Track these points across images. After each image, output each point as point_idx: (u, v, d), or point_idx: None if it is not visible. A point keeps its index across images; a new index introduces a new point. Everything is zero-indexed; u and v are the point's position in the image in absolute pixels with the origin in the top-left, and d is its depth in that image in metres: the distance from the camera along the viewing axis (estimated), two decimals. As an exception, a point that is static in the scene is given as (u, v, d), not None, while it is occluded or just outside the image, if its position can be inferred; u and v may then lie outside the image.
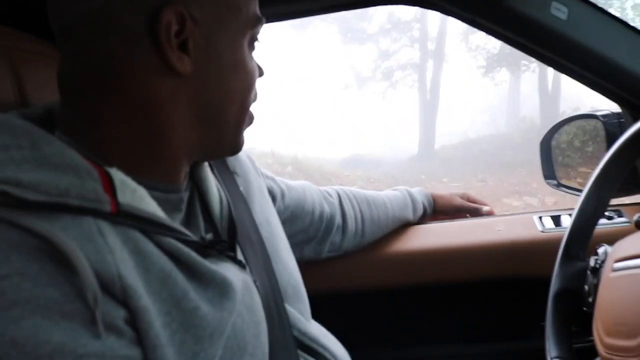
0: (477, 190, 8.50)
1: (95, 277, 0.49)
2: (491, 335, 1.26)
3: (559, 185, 1.43)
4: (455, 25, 12.65)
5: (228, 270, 0.62)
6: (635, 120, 1.14)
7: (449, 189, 8.94)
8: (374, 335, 0.98)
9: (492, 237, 1.25)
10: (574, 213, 0.96)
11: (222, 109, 0.64)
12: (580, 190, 1.38)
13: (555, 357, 0.89)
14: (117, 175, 0.56)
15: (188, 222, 0.66)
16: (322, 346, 0.77)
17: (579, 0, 1.03)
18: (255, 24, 0.65)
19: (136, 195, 0.57)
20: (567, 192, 1.41)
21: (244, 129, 0.69)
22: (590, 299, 0.89)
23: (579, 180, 1.48)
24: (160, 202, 0.60)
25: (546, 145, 1.48)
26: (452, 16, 1.07)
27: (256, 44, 0.68)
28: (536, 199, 7.68)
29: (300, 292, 0.82)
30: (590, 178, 0.95)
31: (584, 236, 0.96)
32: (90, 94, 0.59)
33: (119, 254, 0.52)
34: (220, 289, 0.59)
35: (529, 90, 11.75)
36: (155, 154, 0.61)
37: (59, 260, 0.48)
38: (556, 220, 1.26)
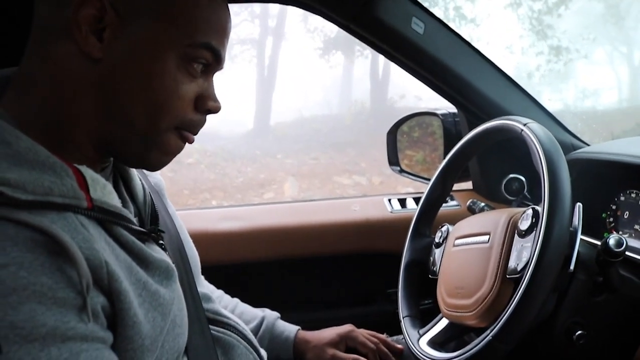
0: (309, 168, 8.83)
1: (87, 263, 0.53)
2: (347, 301, 1.44)
3: (402, 171, 1.66)
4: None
5: (162, 255, 0.69)
6: (469, 121, 1.39)
7: (283, 165, 9.23)
8: (247, 300, 1.10)
9: (349, 216, 1.42)
10: (423, 196, 1.16)
11: (125, 109, 0.63)
12: (416, 176, 1.62)
13: (406, 316, 1.08)
14: (88, 172, 0.60)
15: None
16: (226, 317, 0.86)
17: (434, 19, 1.22)
18: (195, 47, 0.64)
19: (105, 191, 0.62)
20: (407, 177, 1.64)
21: (158, 149, 0.67)
22: (434, 268, 1.09)
23: (416, 167, 1.72)
24: None
25: (392, 136, 1.69)
26: (330, 21, 1.20)
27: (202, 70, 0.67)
28: (364, 177, 8.21)
29: (199, 275, 0.91)
30: (438, 168, 1.15)
31: (430, 216, 1.17)
32: (25, 60, 0.63)
33: (99, 244, 0.57)
34: (165, 273, 0.66)
35: (361, 74, 12.38)
36: (65, 133, 0.63)
37: (52, 251, 0.51)
38: (402, 202, 1.47)
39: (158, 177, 0.92)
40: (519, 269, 0.83)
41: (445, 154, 1.50)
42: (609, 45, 12.38)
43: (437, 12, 10.27)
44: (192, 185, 7.50)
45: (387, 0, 1.16)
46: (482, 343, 0.82)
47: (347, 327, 1.12)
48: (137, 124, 0.64)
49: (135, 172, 0.78)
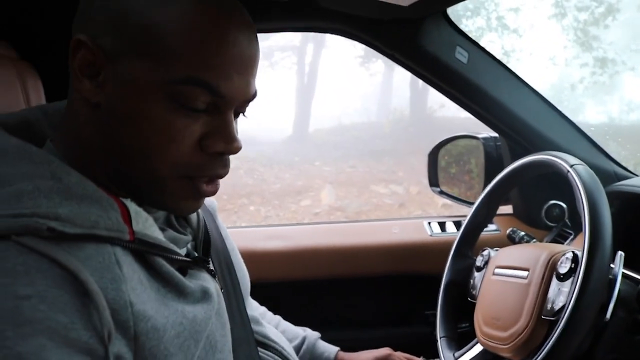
0: (347, 176, 8.83)
1: (109, 306, 0.53)
2: (385, 322, 1.46)
3: (442, 193, 1.67)
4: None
5: (205, 281, 0.71)
6: (510, 147, 1.40)
7: (321, 172, 9.25)
8: (289, 318, 1.13)
9: (389, 238, 1.45)
10: (467, 219, 1.18)
11: (128, 156, 0.61)
12: (456, 198, 1.63)
13: (443, 337, 1.10)
14: (132, 206, 0.62)
15: (175, 234, 0.73)
16: (273, 341, 0.89)
17: (478, 48, 1.24)
18: (181, 83, 0.59)
19: (147, 223, 0.63)
20: (447, 199, 1.65)
21: (172, 196, 0.64)
22: (473, 292, 1.11)
23: (456, 189, 1.73)
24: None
25: (433, 157, 1.70)
26: (374, 49, 1.23)
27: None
28: (402, 187, 8.19)
29: (249, 293, 0.93)
30: (484, 192, 1.17)
31: (472, 239, 1.19)
32: (67, 111, 0.66)
33: (130, 283, 0.57)
34: (202, 298, 0.68)
35: (400, 83, 12.34)
36: (95, 172, 0.63)
37: (77, 291, 0.52)
38: (442, 226, 1.49)
39: (210, 198, 0.96)
40: (555, 310, 0.85)
41: (486, 177, 1.52)
42: (658, 57, 12.03)
43: (479, 21, 10.19)
44: (230, 191, 7.59)
45: (433, 31, 1.19)
46: None
47: (385, 351, 1.13)
48: (140, 171, 0.62)
49: None
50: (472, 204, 1.52)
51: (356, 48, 11.95)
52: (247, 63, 0.63)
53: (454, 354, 1.06)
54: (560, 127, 1.34)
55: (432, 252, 1.42)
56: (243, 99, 0.64)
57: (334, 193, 7.87)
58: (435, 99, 11.48)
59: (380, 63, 12.48)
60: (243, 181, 8.41)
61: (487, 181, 1.47)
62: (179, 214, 0.71)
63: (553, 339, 0.80)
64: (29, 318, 0.49)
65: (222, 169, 0.66)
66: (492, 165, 1.50)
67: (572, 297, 0.79)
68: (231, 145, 0.63)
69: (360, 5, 1.09)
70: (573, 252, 0.88)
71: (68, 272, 0.52)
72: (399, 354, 1.14)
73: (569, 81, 10.90)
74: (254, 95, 0.66)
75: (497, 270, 1.03)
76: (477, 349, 1.04)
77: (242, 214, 6.97)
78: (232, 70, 0.61)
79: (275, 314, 1.15)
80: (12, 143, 0.60)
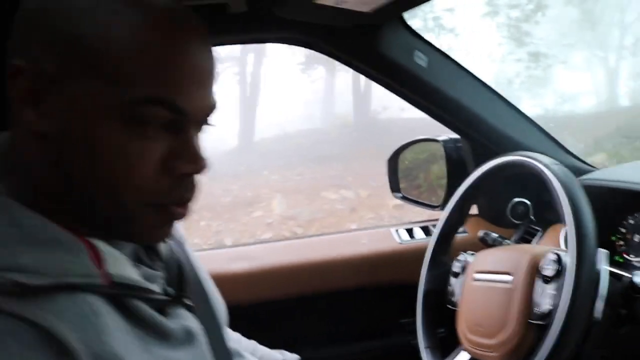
0: (295, 184, 8.80)
1: None
2: (362, 335, 1.43)
3: (404, 198, 1.66)
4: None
5: (186, 319, 0.66)
6: (472, 148, 1.40)
7: (269, 182, 9.17)
8: (263, 341, 1.09)
9: (358, 250, 1.42)
10: (440, 223, 1.16)
11: (86, 189, 0.55)
12: (419, 202, 1.62)
13: (427, 347, 1.08)
14: (103, 246, 0.56)
15: (147, 269, 0.67)
16: None
17: (437, 52, 1.23)
18: (138, 103, 0.53)
19: (121, 263, 0.58)
20: (410, 204, 1.64)
21: (141, 226, 0.58)
22: (452, 299, 1.09)
23: (418, 194, 1.72)
24: None
25: (393, 163, 1.69)
26: (332, 57, 1.20)
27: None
28: (351, 191, 8.22)
29: (225, 324, 0.86)
30: (456, 195, 1.15)
31: (446, 244, 1.17)
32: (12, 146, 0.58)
33: (110, 332, 0.52)
34: (188, 342, 0.63)
35: (343, 88, 12.42)
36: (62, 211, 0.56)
37: (58, 352, 0.47)
38: (410, 232, 1.47)
39: (176, 226, 0.90)
40: (543, 314, 0.85)
41: (449, 179, 1.51)
42: (586, 50, 12.58)
43: (417, 23, 10.38)
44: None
45: (391, 36, 1.17)
46: None
47: None
48: (104, 203, 0.56)
49: None
50: (436, 207, 1.52)
51: (296, 55, 11.98)
52: (205, 75, 0.58)
53: (437, 364, 1.04)
54: (520, 126, 1.34)
55: (402, 259, 1.40)
56: (204, 112, 0.59)
57: (285, 202, 7.81)
58: (379, 102, 11.64)
59: (321, 69, 12.53)
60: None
61: (450, 183, 1.47)
62: (152, 243, 0.66)
63: (548, 342, 0.79)
64: None
65: (190, 191, 0.60)
66: (454, 167, 1.48)
67: (562, 298, 0.79)
68: (197, 164, 0.57)
69: (318, 13, 1.05)
70: (556, 253, 0.87)
71: (43, 331, 0.47)
72: None
73: (506, 76, 11.24)
74: (214, 107, 0.61)
75: (478, 276, 1.01)
76: (463, 356, 1.01)
77: (192, 230, 6.82)
78: (191, 85, 0.56)
79: (248, 338, 1.10)
80: None
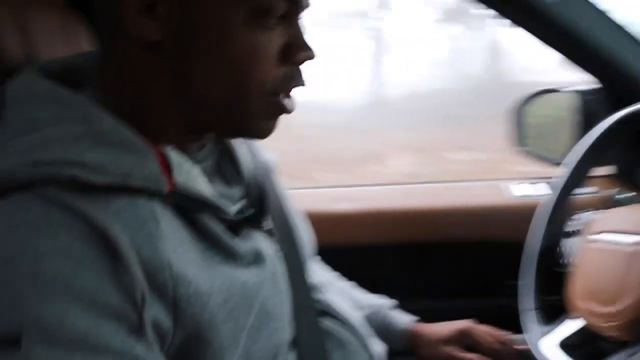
0: (423, 144, 8.64)
1: (143, 267, 0.49)
2: (464, 292, 1.35)
3: (527, 152, 1.51)
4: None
5: (259, 242, 0.64)
6: (609, 97, 1.23)
7: (396, 139, 9.08)
8: (365, 288, 1.05)
9: (468, 201, 1.32)
10: (563, 179, 1.03)
11: (205, 91, 0.57)
12: (544, 158, 1.47)
13: (530, 310, 0.97)
14: (174, 156, 0.57)
15: (225, 188, 0.67)
16: (336, 310, 0.79)
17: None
18: None
19: (191, 176, 0.57)
20: (533, 159, 1.49)
21: (256, 118, 0.61)
22: (564, 261, 0.97)
23: (544, 149, 1.56)
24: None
25: (518, 114, 1.54)
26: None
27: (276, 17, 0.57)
28: (480, 154, 7.91)
29: (311, 258, 0.84)
30: (581, 149, 1.01)
31: (566, 202, 1.03)
32: (106, 56, 0.59)
33: (169, 241, 0.52)
34: (254, 261, 0.61)
35: (479, 48, 11.89)
36: (148, 119, 0.58)
37: (106, 249, 0.47)
38: (527, 188, 1.34)
39: (268, 155, 0.87)
40: None
41: (581, 134, 1.35)
42: None
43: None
44: (296, 158, 7.58)
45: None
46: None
47: (466, 323, 1.03)
48: (222, 101, 0.58)
49: (243, 150, 0.73)
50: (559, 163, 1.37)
51: (432, 11, 11.59)
52: None
53: (542, 329, 0.93)
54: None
55: (514, 216, 1.27)
56: (308, 3, 0.60)
57: (407, 160, 7.70)
58: (516, 64, 11.00)
59: (458, 27, 12.03)
60: (313, 149, 8.36)
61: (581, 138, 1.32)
62: (259, 138, 0.65)
63: None
64: (50, 277, 0.45)
65: (300, 78, 0.62)
66: (587, 120, 1.33)
67: None
68: (308, 52, 0.60)
69: None
70: None
71: (95, 228, 0.47)
72: (482, 327, 1.03)
73: None
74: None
75: (599, 237, 0.89)
76: (572, 325, 0.90)
77: (305, 180, 6.95)
78: None
79: (360, 281, 1.08)
80: (44, 86, 0.54)
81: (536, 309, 0.97)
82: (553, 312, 0.96)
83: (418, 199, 1.34)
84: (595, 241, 0.89)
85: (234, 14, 0.54)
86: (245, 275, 0.59)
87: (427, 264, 1.35)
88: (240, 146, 0.72)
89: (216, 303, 0.54)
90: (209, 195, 0.58)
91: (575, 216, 0.99)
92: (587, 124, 1.32)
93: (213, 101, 0.58)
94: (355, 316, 0.83)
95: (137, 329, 0.48)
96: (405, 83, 12.73)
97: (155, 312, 0.49)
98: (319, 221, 1.27)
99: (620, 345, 0.77)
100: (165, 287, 0.50)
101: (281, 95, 0.60)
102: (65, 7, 0.81)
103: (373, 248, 1.32)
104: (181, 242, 0.54)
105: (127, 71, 0.57)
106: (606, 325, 0.80)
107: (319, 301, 0.78)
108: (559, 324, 0.92)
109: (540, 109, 1.59)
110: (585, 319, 0.85)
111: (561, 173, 1.04)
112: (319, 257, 0.96)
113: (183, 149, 0.60)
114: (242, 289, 0.57)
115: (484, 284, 1.34)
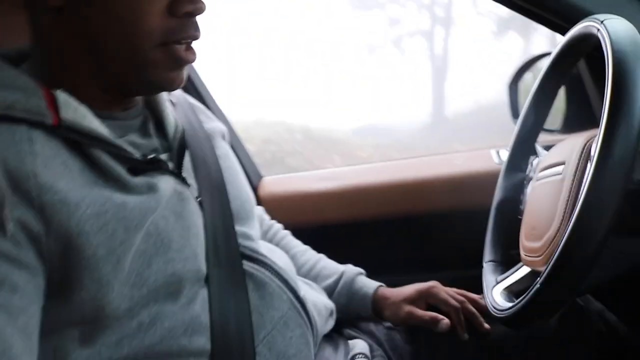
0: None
1: (7, 176, 0.56)
2: (449, 264, 1.32)
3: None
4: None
5: (160, 180, 0.70)
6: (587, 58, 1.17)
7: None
8: (346, 263, 1.06)
9: (451, 171, 1.30)
10: (516, 126, 1.01)
11: (106, 45, 0.67)
12: (547, 128, 1.43)
13: (489, 262, 0.95)
14: (61, 95, 0.64)
15: (141, 139, 0.74)
16: (264, 256, 0.83)
17: None
18: None
19: (78, 113, 0.64)
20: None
21: (155, 69, 0.69)
22: (522, 208, 0.95)
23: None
24: (110, 125, 0.69)
25: (514, 87, 1.51)
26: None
27: None
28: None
29: (251, 215, 0.88)
30: (530, 93, 0.99)
31: (526, 148, 1.01)
32: (36, 34, 0.70)
33: (41, 158, 0.59)
34: (145, 192, 0.67)
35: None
36: (70, 84, 0.67)
37: None
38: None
39: (218, 124, 0.93)
40: None
41: (567, 100, 1.30)
42: None
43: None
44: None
45: None
46: (530, 293, 0.68)
47: (429, 284, 1.02)
48: (121, 54, 0.67)
49: (168, 112, 0.80)
50: (555, 131, 1.32)
51: (487, 23, 11.40)
52: None
53: (496, 278, 0.91)
54: None
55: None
56: None
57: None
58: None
59: (515, 36, 11.77)
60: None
61: (569, 105, 1.27)
62: (167, 89, 0.74)
63: (567, 232, 0.62)
64: None
65: (195, 31, 0.70)
66: (572, 85, 1.27)
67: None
68: (197, 4, 0.67)
69: None
70: None
71: None
72: (446, 288, 1.01)
73: None
74: None
75: (540, 174, 0.87)
76: (522, 271, 0.87)
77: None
78: None
79: (330, 256, 1.10)
80: None
81: (494, 260, 0.96)
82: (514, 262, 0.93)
83: (401, 172, 1.33)
84: (539, 179, 0.87)
85: None
86: (128, 199, 0.64)
87: (414, 236, 1.34)
88: (164, 110, 0.80)
89: (85, 214, 0.60)
90: (100, 132, 0.65)
91: (532, 160, 0.97)
92: (570, 88, 1.27)
93: (113, 55, 0.67)
94: (285, 265, 0.85)
95: (2, 229, 0.55)
96: (467, 98, 12.53)
97: (20, 214, 0.56)
98: (305, 200, 1.31)
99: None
100: (29, 194, 0.57)
101: (176, 46, 0.68)
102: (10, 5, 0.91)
103: (353, 224, 1.33)
104: (63, 165, 0.61)
105: (46, 40, 0.68)
106: (536, 260, 0.77)
107: (244, 247, 0.81)
108: (513, 272, 0.89)
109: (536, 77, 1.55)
110: (526, 259, 0.83)
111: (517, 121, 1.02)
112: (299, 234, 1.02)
113: (108, 108, 0.71)
114: (119, 208, 0.62)
115: (471, 255, 1.31)
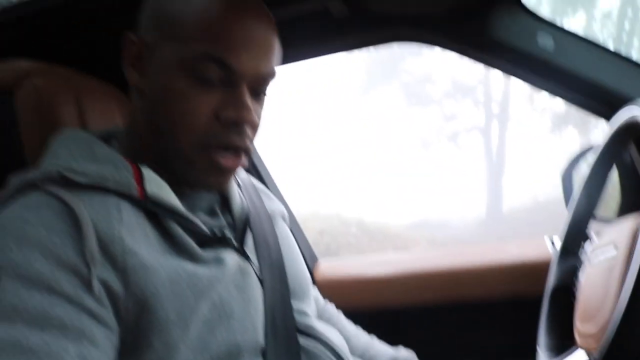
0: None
1: (98, 238, 0.62)
2: (504, 353, 1.29)
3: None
4: (519, 87, 12.62)
5: (225, 254, 0.74)
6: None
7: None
8: (393, 344, 1.06)
9: (505, 258, 1.31)
10: (569, 212, 1.02)
11: (164, 134, 0.71)
12: (603, 218, 1.42)
13: (544, 347, 0.94)
14: (147, 171, 0.72)
15: (209, 217, 0.80)
16: (320, 333, 0.85)
17: (564, 32, 1.12)
18: (196, 59, 0.68)
19: (162, 188, 0.71)
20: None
21: (198, 170, 0.72)
22: (576, 293, 0.93)
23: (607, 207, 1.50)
24: (185, 200, 0.76)
25: (568, 176, 1.52)
26: (447, 49, 1.18)
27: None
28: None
29: (308, 294, 0.92)
30: (583, 179, 1.02)
31: (579, 233, 1.02)
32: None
33: (127, 225, 0.65)
34: (213, 264, 0.71)
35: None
36: (152, 161, 0.74)
37: (73, 222, 0.62)
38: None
39: (278, 205, 0.99)
40: None
41: (622, 187, 1.30)
42: None
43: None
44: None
45: (504, 20, 1.11)
46: None
47: None
48: (169, 145, 0.72)
49: (236, 193, 0.87)
50: (610, 221, 1.31)
51: (544, 119, 11.43)
52: (255, 43, 0.71)
53: (551, 363, 0.89)
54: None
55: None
56: (253, 73, 0.71)
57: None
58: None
59: (572, 130, 11.71)
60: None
61: (623, 192, 1.27)
62: (206, 189, 0.78)
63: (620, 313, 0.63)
64: (29, 237, 0.60)
65: (237, 137, 0.72)
66: (625, 171, 1.28)
67: None
68: (242, 112, 0.70)
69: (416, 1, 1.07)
70: None
71: (68, 208, 0.63)
72: None
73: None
74: (267, 74, 0.73)
75: (594, 259, 0.87)
76: (577, 355, 0.86)
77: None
78: (241, 48, 0.70)
79: (382, 340, 1.10)
80: (88, 140, 0.74)
81: (548, 345, 0.94)
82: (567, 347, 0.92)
83: (457, 260, 1.34)
84: (589, 260, 0.87)
85: (177, 71, 0.69)
86: (198, 269, 0.69)
87: (471, 324, 1.32)
88: (234, 192, 0.86)
89: (162, 279, 0.64)
90: (179, 207, 0.72)
91: (587, 247, 0.97)
92: (624, 175, 1.28)
93: (166, 148, 0.73)
94: (339, 342, 0.87)
95: (87, 283, 0.60)
96: (525, 193, 12.34)
97: (105, 274, 0.62)
98: (361, 284, 1.33)
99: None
100: (116, 256, 0.62)
101: (218, 151, 0.71)
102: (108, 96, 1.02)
103: (409, 309, 1.32)
104: (144, 235, 0.66)
105: (133, 118, 0.77)
106: (590, 344, 0.76)
107: (299, 322, 0.83)
108: (567, 355, 0.88)
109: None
110: (579, 343, 0.82)
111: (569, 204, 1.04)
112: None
113: (178, 185, 0.75)
114: (190, 276, 0.67)
115: (521, 343, 1.28)
